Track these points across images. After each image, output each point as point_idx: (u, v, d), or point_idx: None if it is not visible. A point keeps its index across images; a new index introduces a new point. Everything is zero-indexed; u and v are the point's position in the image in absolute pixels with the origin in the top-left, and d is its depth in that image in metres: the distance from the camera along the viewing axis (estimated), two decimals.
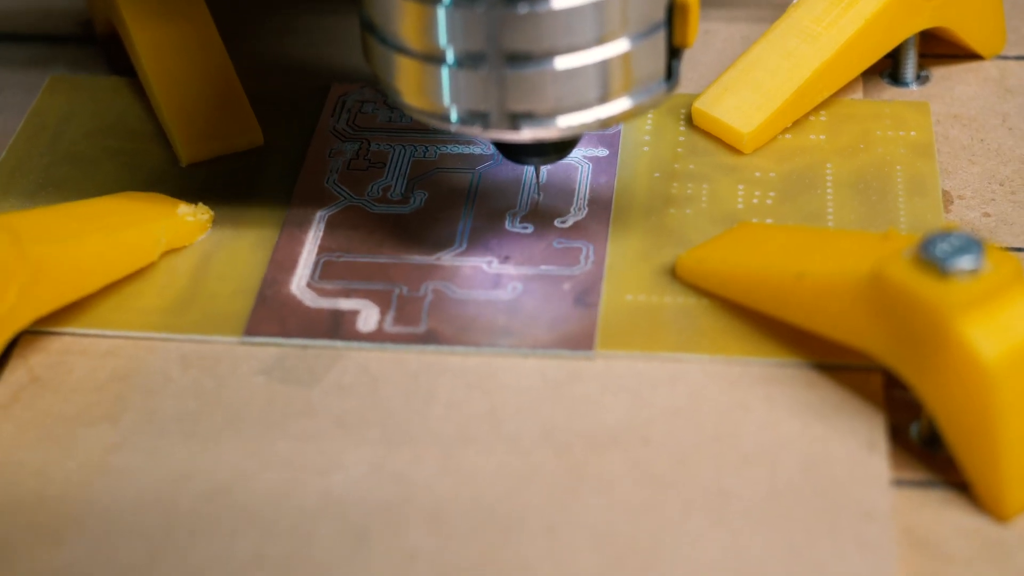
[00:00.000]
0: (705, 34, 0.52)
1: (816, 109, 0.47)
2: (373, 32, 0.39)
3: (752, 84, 0.46)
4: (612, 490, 0.37)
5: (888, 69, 0.50)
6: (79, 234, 0.41)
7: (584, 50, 0.38)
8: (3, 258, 0.39)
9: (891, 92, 0.49)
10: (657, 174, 0.46)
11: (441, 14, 0.37)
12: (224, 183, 0.46)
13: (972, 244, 0.36)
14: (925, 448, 0.38)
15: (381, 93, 0.48)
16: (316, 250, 0.44)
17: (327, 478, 0.38)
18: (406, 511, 0.37)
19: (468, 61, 0.38)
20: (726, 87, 0.47)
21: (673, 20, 0.39)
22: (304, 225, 0.44)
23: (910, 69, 0.49)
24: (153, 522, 0.37)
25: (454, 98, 0.39)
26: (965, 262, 0.36)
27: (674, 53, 0.40)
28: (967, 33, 0.49)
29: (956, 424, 0.37)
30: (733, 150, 0.46)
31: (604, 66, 0.38)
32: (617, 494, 0.37)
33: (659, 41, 0.39)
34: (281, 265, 0.43)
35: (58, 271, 0.40)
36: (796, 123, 0.47)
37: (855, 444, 0.38)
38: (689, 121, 0.47)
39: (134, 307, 0.42)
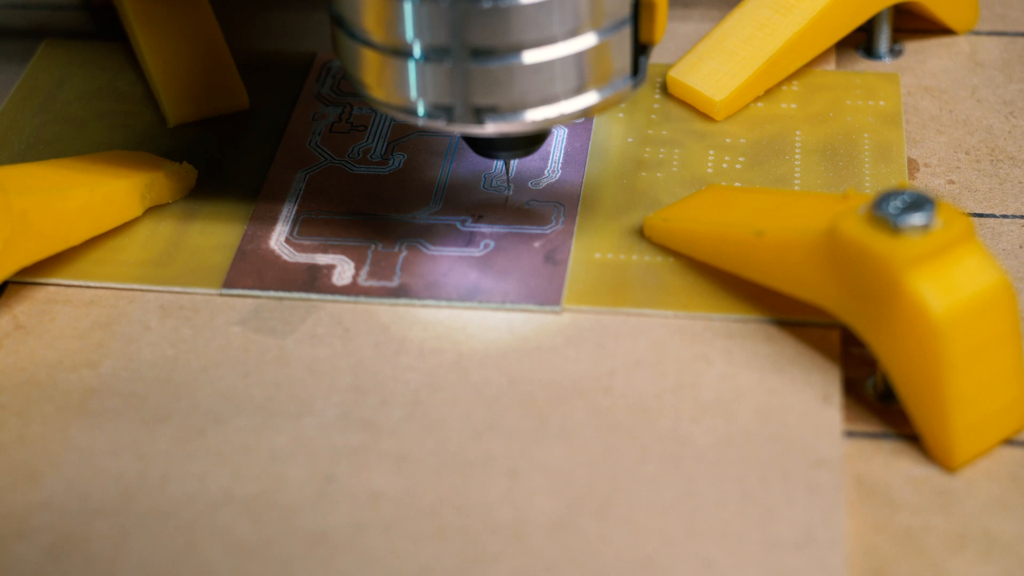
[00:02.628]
0: (685, 7, 0.53)
1: (789, 79, 0.49)
2: (342, 27, 0.40)
3: (725, 53, 0.48)
4: (572, 437, 0.38)
5: (863, 43, 0.51)
6: (64, 187, 0.42)
7: (548, 45, 0.38)
8: None
9: (864, 65, 0.50)
10: (631, 139, 0.47)
11: (407, 8, 0.38)
12: (209, 144, 0.47)
13: (924, 201, 0.37)
14: (880, 402, 0.39)
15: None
16: (296, 208, 0.45)
17: (297, 422, 0.39)
18: (372, 454, 0.38)
19: (433, 55, 0.38)
20: (700, 56, 0.48)
21: (640, 16, 0.40)
22: (285, 184, 0.46)
23: (884, 43, 0.50)
24: (127, 463, 0.38)
25: (420, 92, 0.39)
26: (916, 218, 0.37)
27: (641, 49, 0.40)
28: (940, 9, 0.50)
29: (906, 377, 0.38)
30: (706, 117, 0.47)
31: (568, 61, 0.39)
32: (577, 441, 0.38)
33: (625, 37, 0.39)
34: (261, 222, 0.44)
35: (43, 222, 0.41)
36: (768, 92, 0.48)
37: (810, 395, 0.39)
38: (664, 90, 0.49)
39: (117, 260, 0.43)
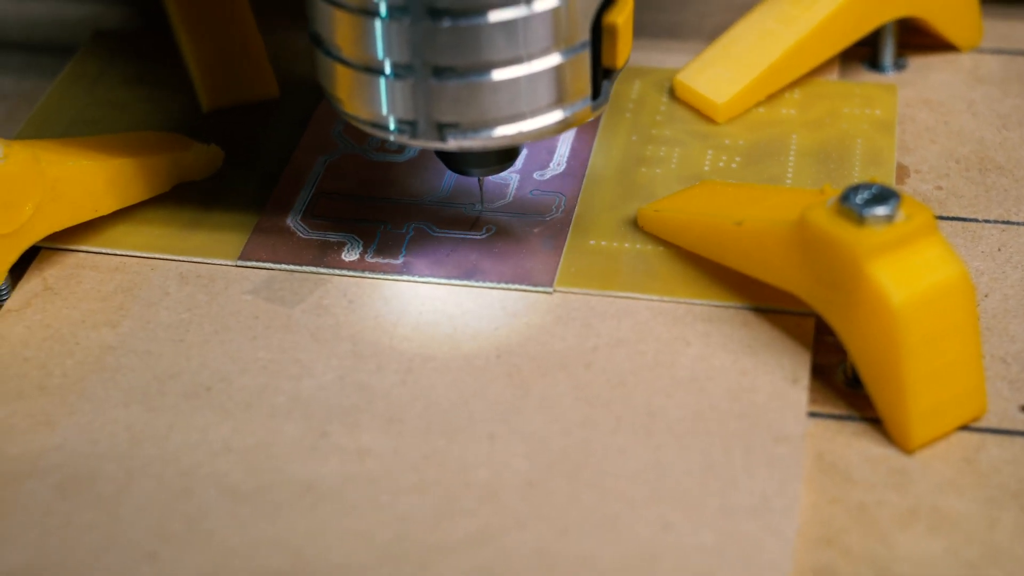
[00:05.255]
0: (701, 18, 0.55)
1: (791, 87, 0.51)
2: (319, 45, 0.42)
3: (729, 60, 0.50)
4: (552, 407, 0.41)
5: (869, 57, 0.53)
6: (95, 159, 0.45)
7: (508, 65, 0.40)
8: (23, 175, 0.43)
9: (868, 77, 0.52)
10: (634, 137, 0.49)
11: (377, 26, 0.40)
12: (239, 128, 0.50)
13: (888, 194, 0.39)
14: (849, 387, 0.42)
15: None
16: (314, 190, 0.47)
17: (297, 383, 0.42)
18: (365, 415, 0.41)
19: (400, 72, 0.40)
20: (706, 62, 0.50)
21: (602, 41, 0.41)
22: (306, 168, 0.48)
23: (888, 56, 0.52)
24: (137, 414, 0.41)
25: (390, 108, 0.41)
26: (880, 210, 0.39)
27: (606, 74, 0.42)
28: (943, 25, 0.52)
29: (868, 361, 0.40)
30: (709, 120, 0.50)
31: (528, 81, 0.40)
32: (556, 411, 0.41)
33: (583, 60, 0.41)
34: (280, 201, 0.47)
35: (73, 191, 0.44)
36: (770, 98, 0.50)
37: (780, 377, 0.41)
38: (672, 93, 0.51)
39: (143, 231, 0.46)
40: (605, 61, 0.42)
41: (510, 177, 0.48)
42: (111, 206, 0.46)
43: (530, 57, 0.40)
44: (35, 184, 0.43)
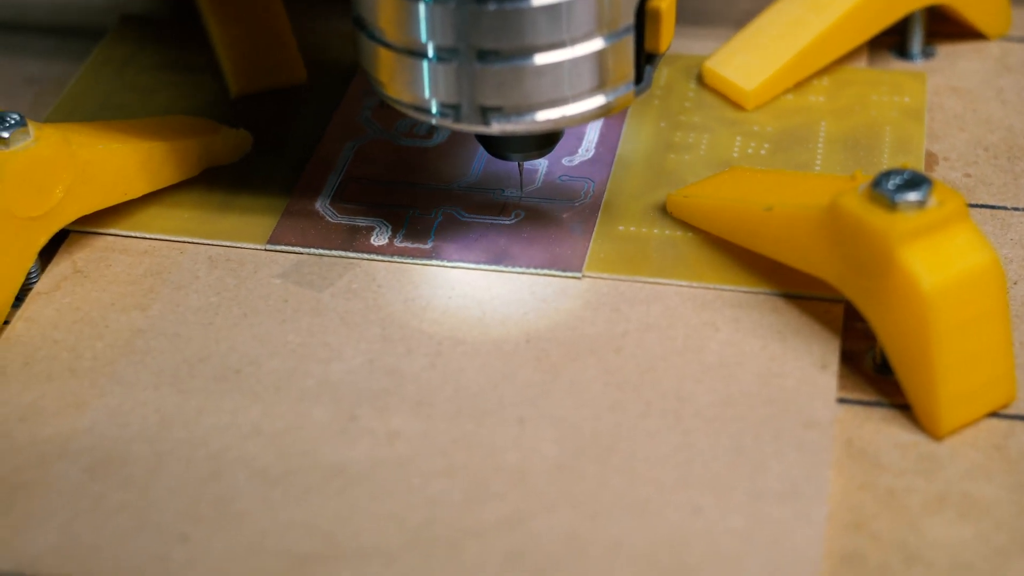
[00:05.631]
0: (730, 4, 0.55)
1: (820, 74, 0.51)
2: (363, 28, 0.42)
3: (758, 47, 0.50)
4: (581, 392, 0.41)
5: (897, 44, 0.53)
6: (125, 142, 0.45)
7: (553, 49, 0.40)
8: (54, 158, 0.43)
9: (896, 65, 0.52)
10: (663, 124, 0.49)
11: (421, 10, 0.40)
12: (267, 114, 0.50)
13: (920, 180, 0.39)
14: (878, 373, 0.42)
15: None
16: (342, 175, 0.48)
17: (327, 367, 0.42)
18: (394, 398, 0.41)
19: (444, 56, 0.40)
20: (734, 49, 0.50)
21: (645, 25, 0.41)
22: (335, 153, 0.48)
23: (916, 44, 0.52)
24: (167, 396, 0.41)
25: (433, 91, 0.41)
26: (912, 195, 0.39)
27: (648, 58, 0.42)
28: (972, 13, 0.52)
29: (898, 347, 0.40)
30: (737, 107, 0.50)
31: (572, 65, 0.40)
32: (585, 395, 0.41)
33: (627, 45, 0.41)
34: (309, 186, 0.47)
35: (103, 175, 0.45)
36: (799, 85, 0.50)
37: (809, 362, 0.41)
38: (700, 80, 0.51)
39: (173, 215, 0.46)
40: (648, 46, 0.42)
41: (539, 163, 0.48)
42: (141, 189, 0.46)
43: (574, 41, 0.40)
44: (65, 167, 0.43)
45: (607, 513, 0.38)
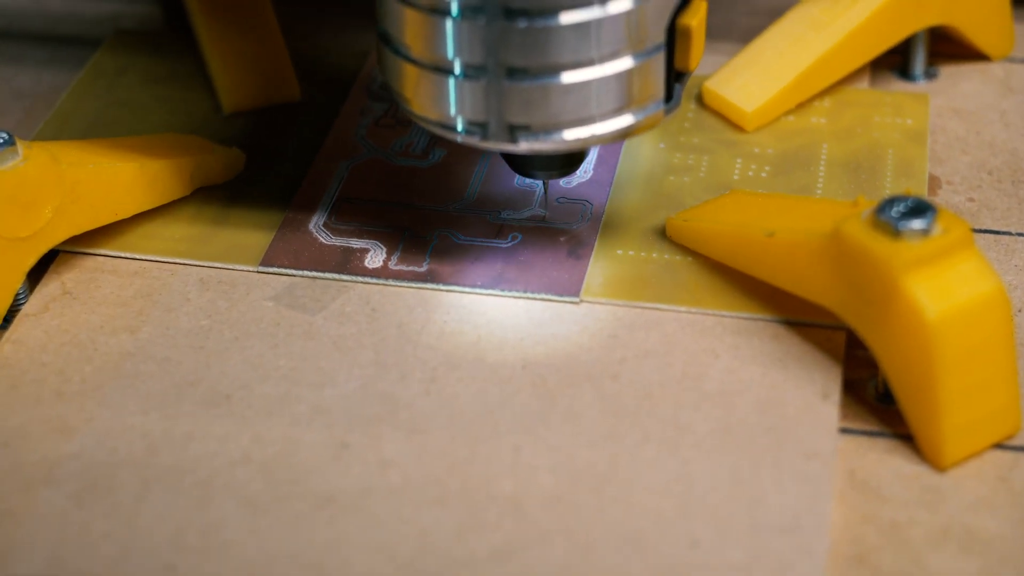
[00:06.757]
0: (730, 22, 0.55)
1: (821, 95, 0.50)
2: (387, 43, 0.41)
3: (759, 67, 0.49)
4: (578, 419, 0.40)
5: (899, 65, 0.52)
6: (116, 161, 0.44)
7: (582, 67, 0.40)
8: (42, 177, 0.42)
9: (898, 86, 0.51)
10: (662, 145, 0.48)
11: (448, 26, 0.39)
12: (260, 131, 0.49)
13: (925, 207, 0.39)
14: (880, 403, 0.41)
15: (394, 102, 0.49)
16: (336, 195, 0.47)
17: (319, 392, 0.41)
18: (387, 425, 0.40)
19: (471, 73, 0.40)
20: (735, 69, 0.50)
21: (675, 44, 0.41)
22: (329, 173, 0.48)
23: (919, 65, 0.52)
24: (155, 422, 0.40)
25: (459, 108, 0.41)
26: (916, 223, 0.38)
27: (677, 76, 0.41)
28: (975, 34, 0.52)
29: (901, 376, 0.39)
30: (738, 128, 0.49)
31: (602, 83, 0.40)
32: (582, 423, 0.40)
33: (658, 63, 0.41)
34: (302, 206, 0.47)
35: (93, 195, 0.44)
36: (800, 107, 0.50)
37: (810, 391, 0.41)
38: (700, 100, 0.50)
39: (163, 234, 0.46)
40: (678, 64, 0.41)
41: (537, 184, 0.47)
42: (132, 209, 0.45)
43: (606, 58, 0.40)
44: (54, 186, 0.43)
45: (603, 545, 0.37)
